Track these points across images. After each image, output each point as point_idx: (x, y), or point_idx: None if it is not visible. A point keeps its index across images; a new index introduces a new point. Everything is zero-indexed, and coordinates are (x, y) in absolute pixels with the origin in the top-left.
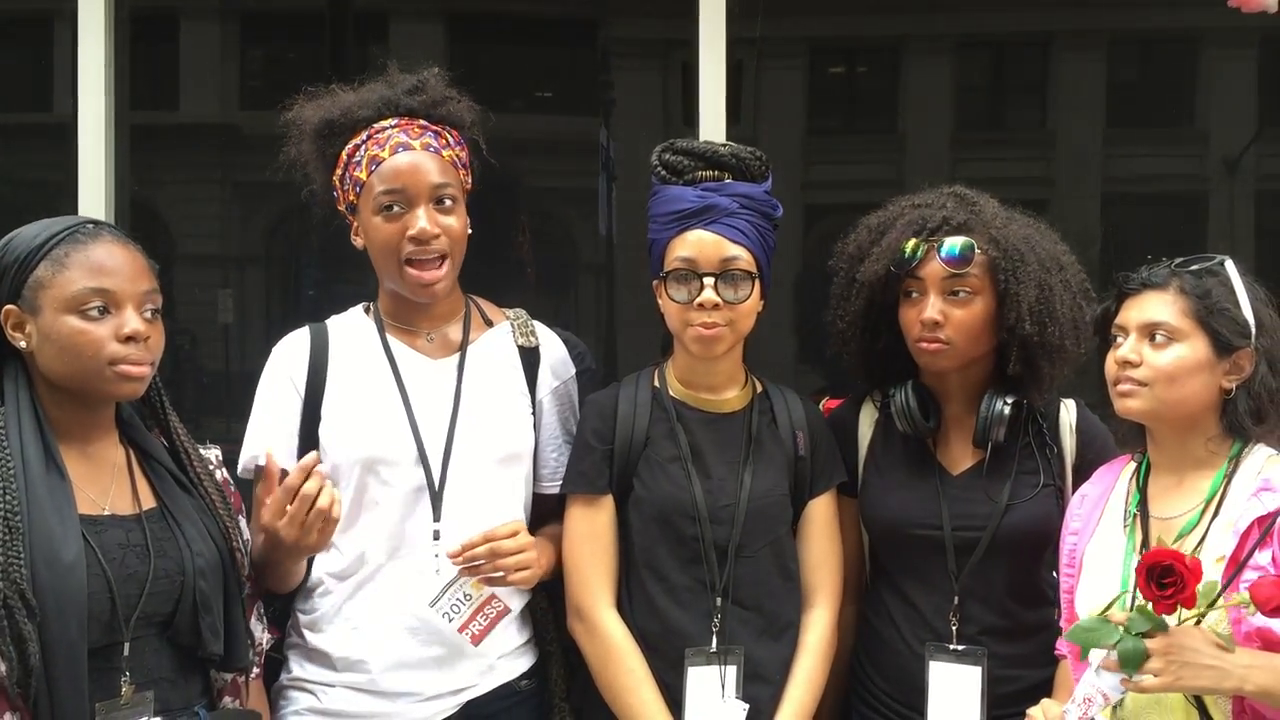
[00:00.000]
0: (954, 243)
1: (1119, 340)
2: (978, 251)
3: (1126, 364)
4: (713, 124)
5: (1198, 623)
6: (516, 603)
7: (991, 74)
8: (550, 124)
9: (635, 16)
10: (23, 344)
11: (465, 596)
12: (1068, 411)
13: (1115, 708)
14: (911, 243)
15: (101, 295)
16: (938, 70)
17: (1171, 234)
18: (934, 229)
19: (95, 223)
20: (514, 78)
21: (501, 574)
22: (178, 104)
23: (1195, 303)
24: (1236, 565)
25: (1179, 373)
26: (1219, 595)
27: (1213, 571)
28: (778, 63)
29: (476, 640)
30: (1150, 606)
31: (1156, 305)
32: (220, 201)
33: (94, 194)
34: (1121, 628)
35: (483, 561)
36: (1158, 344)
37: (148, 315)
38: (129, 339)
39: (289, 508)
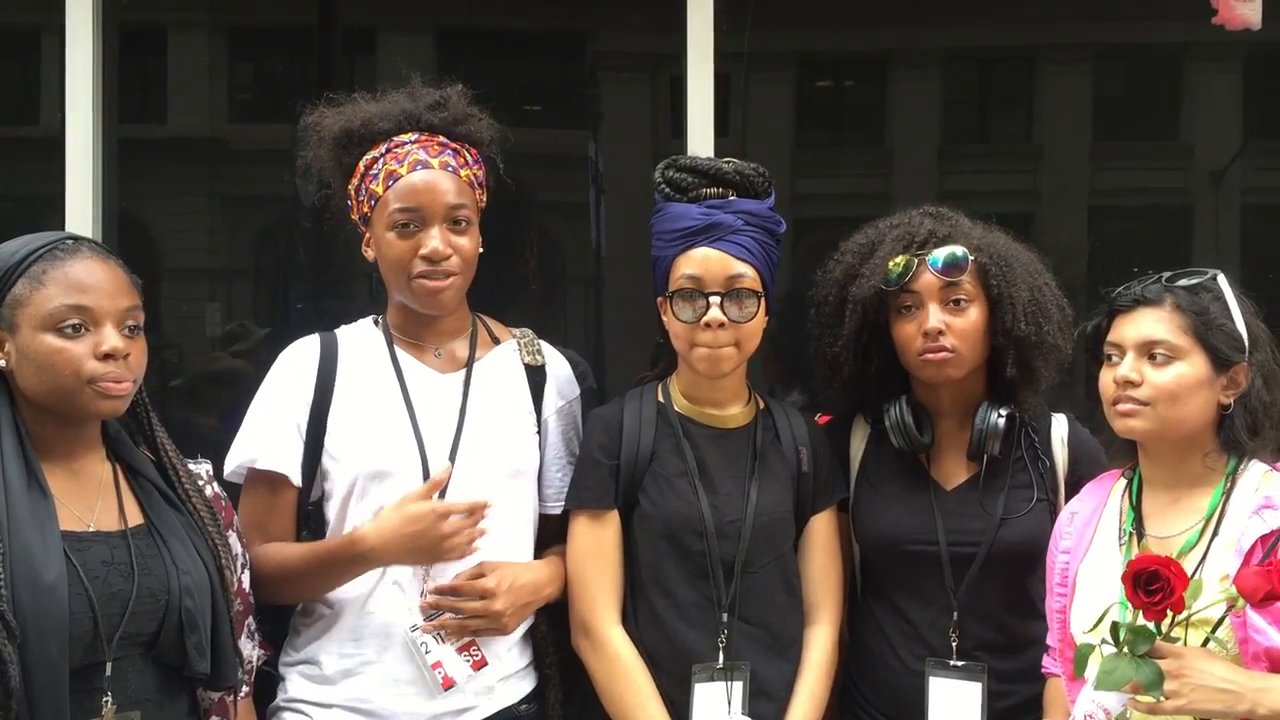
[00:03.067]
0: (948, 251)
1: (1114, 359)
2: (970, 258)
3: (1128, 383)
4: (701, 137)
5: (1205, 643)
6: (500, 648)
7: (978, 88)
8: (539, 137)
9: (624, 30)
10: (1, 363)
11: (444, 633)
12: (1059, 425)
13: None
14: (902, 258)
15: (79, 313)
16: (925, 84)
17: (1158, 247)
18: (922, 242)
19: (75, 238)
20: (502, 91)
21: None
22: (165, 118)
23: (1193, 319)
24: None
25: (1181, 391)
26: (1224, 616)
27: (1217, 591)
28: (765, 76)
29: (448, 684)
30: (1140, 615)
31: (1153, 323)
32: (208, 215)
33: (82, 208)
34: (1128, 656)
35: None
36: (1158, 362)
37: (127, 332)
38: (107, 356)
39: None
